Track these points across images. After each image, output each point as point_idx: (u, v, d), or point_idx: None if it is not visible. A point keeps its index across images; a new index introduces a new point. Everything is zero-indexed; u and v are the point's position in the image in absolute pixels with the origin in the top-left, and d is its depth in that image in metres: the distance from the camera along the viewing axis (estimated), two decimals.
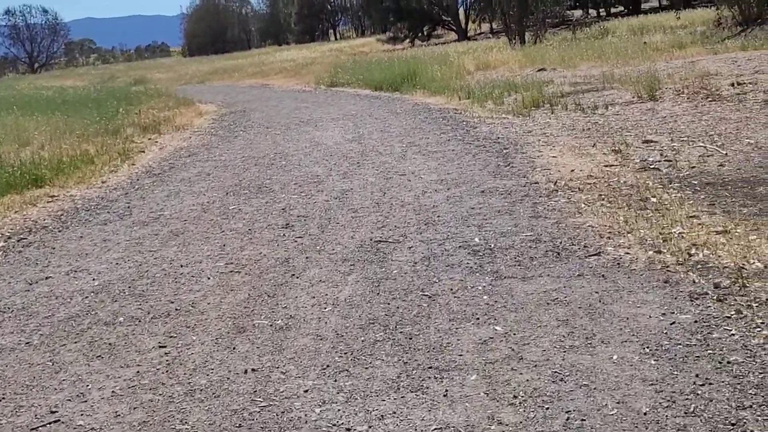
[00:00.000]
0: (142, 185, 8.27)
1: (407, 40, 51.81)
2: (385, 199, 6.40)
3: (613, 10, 48.63)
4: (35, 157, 9.75)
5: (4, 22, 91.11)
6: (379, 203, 6.27)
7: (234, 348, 3.66)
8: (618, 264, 4.28)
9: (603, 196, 5.70)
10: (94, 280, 4.99)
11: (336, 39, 80.00)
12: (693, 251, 4.30)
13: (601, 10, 49.55)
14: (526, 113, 11.08)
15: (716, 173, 6.12)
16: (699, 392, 2.82)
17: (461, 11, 52.26)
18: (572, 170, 6.71)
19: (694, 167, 6.38)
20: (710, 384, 2.87)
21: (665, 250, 4.36)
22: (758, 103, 9.05)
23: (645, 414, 2.72)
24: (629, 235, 4.72)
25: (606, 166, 6.78)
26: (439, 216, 5.66)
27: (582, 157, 7.32)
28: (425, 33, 53.28)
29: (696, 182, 5.89)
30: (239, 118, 15.42)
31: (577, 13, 44.08)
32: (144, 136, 12.76)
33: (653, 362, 3.09)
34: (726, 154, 6.71)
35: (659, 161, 6.72)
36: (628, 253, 4.42)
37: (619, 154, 7.23)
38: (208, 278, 4.77)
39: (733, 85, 10.99)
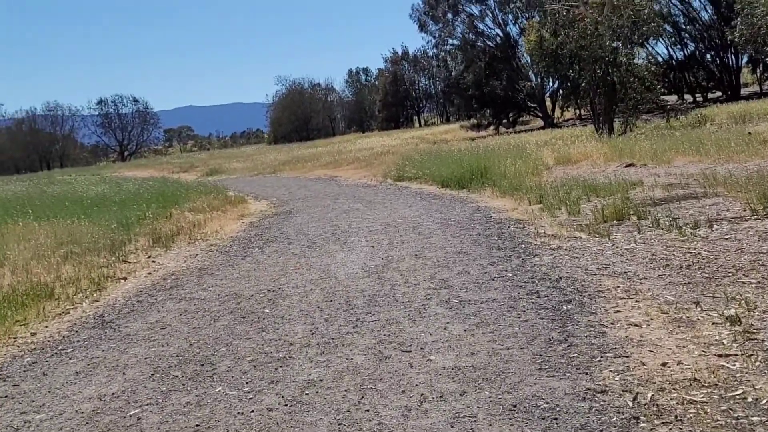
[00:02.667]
0: (69, 345, 6.12)
1: (491, 127, 49.92)
2: (357, 413, 3.98)
3: (710, 95, 45.43)
4: None
5: (97, 112, 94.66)
6: (343, 424, 3.88)
7: None
8: None
9: None
10: None
11: (420, 125, 78.81)
12: None
13: (697, 95, 46.36)
14: (604, 231, 8.61)
15: None
16: None
17: (547, 97, 50.07)
18: (665, 363, 4.18)
19: None
20: None
21: None
22: None
23: None
24: None
25: (719, 355, 4.23)
26: None
27: (680, 329, 4.77)
28: (510, 119, 51.28)
29: None
30: (278, 223, 13.45)
31: (672, 98, 41.06)
32: (148, 252, 10.82)
33: None
34: None
35: None
36: None
37: (739, 325, 4.67)
38: None
39: None
